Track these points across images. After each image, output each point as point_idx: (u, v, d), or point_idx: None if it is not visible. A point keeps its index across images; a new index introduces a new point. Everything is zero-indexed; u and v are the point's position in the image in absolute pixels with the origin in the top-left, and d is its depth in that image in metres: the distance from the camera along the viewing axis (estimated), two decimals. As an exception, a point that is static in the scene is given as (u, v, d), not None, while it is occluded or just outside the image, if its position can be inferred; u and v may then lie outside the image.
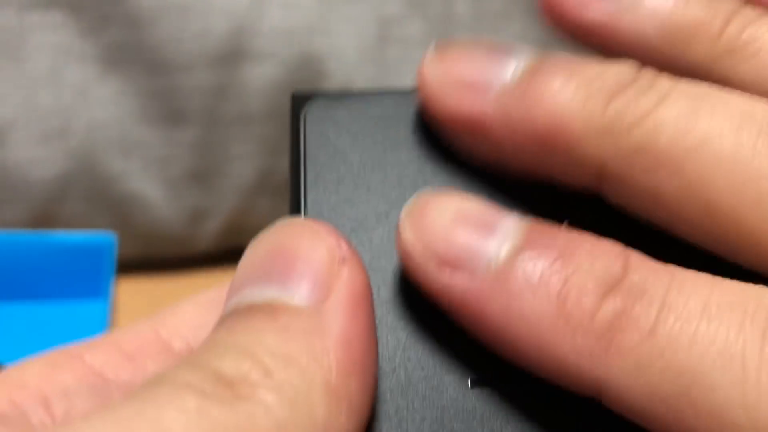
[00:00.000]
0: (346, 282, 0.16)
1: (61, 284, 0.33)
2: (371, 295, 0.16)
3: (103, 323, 0.29)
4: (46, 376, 0.16)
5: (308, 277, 0.16)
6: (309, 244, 0.16)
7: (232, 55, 0.42)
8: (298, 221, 0.17)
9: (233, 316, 0.16)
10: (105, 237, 0.32)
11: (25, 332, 0.30)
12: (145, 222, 0.44)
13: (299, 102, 0.22)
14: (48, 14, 0.41)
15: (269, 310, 0.15)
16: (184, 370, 0.14)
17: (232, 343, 0.15)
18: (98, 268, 0.32)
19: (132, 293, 0.44)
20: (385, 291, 0.18)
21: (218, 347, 0.15)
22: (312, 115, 0.21)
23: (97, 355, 0.17)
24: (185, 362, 0.15)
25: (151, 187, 0.43)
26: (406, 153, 0.20)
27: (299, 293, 0.15)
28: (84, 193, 0.43)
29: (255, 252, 0.16)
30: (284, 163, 0.44)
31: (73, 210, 0.43)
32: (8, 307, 0.32)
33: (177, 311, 0.18)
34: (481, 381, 0.17)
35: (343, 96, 0.21)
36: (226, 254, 0.47)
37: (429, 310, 0.17)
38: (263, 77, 0.42)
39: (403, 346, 0.18)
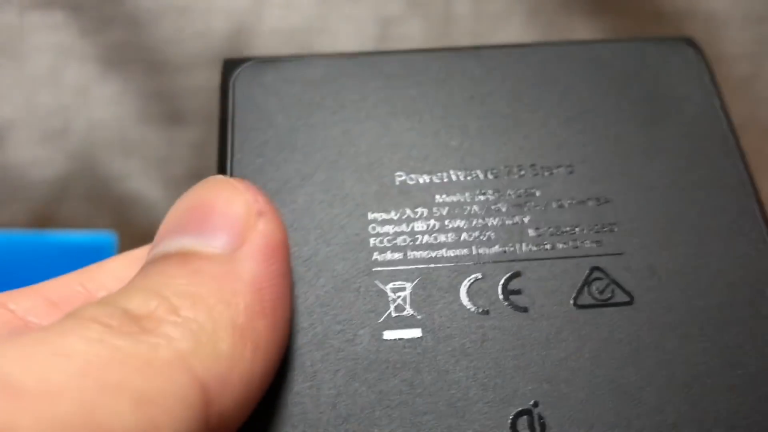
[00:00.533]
0: (261, 233, 0.16)
1: None
2: (287, 247, 0.17)
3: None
4: None
5: (223, 228, 0.16)
6: (226, 198, 0.17)
7: (232, 55, 0.42)
8: (218, 178, 0.18)
9: (148, 263, 0.16)
10: (105, 237, 0.32)
11: None
12: (145, 222, 0.44)
13: (230, 67, 0.22)
14: (48, 14, 0.41)
15: (182, 256, 0.16)
16: (93, 307, 0.15)
17: (143, 285, 0.16)
18: None
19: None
20: (306, 249, 0.19)
21: (129, 289, 0.16)
22: (241, 80, 0.22)
23: (21, 302, 0.18)
24: (96, 302, 0.15)
25: (151, 187, 0.43)
26: (332, 115, 0.21)
27: (213, 242, 0.16)
28: (84, 193, 0.43)
29: (176, 207, 0.17)
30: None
31: (73, 210, 0.43)
32: None
33: (104, 266, 0.19)
34: (394, 335, 0.18)
35: (272, 60, 0.22)
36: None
37: (347, 268, 0.19)
38: (263, 77, 0.42)
39: (321, 302, 0.19)
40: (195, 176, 0.43)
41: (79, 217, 0.43)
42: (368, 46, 0.43)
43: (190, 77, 0.42)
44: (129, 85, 0.42)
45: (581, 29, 0.44)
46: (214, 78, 0.42)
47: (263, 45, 0.42)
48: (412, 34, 0.43)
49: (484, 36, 0.43)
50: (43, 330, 0.14)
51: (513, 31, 0.43)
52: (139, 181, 0.43)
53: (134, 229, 0.44)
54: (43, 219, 0.42)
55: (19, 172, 0.42)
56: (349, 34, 0.43)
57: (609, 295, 0.19)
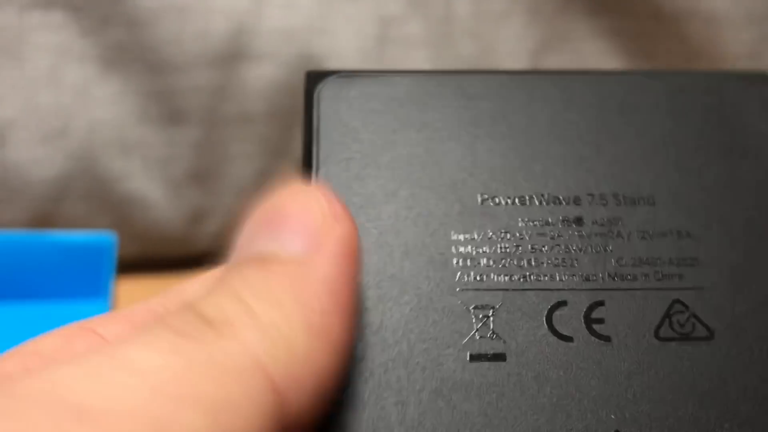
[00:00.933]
0: (335, 237, 0.17)
1: (62, 284, 0.33)
2: (360, 252, 0.18)
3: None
4: (59, 345, 0.17)
5: (299, 233, 0.17)
6: (302, 203, 0.17)
7: (232, 55, 0.42)
8: (293, 184, 0.18)
9: (225, 269, 0.17)
10: (105, 237, 0.32)
11: (26, 332, 0.30)
12: (145, 222, 0.44)
13: (313, 80, 0.23)
14: (48, 14, 0.41)
15: (259, 260, 0.17)
16: (170, 314, 0.15)
17: (219, 290, 0.16)
18: (98, 268, 0.32)
19: (132, 293, 0.45)
20: (391, 266, 0.19)
21: (205, 294, 0.16)
22: (325, 94, 0.23)
23: (109, 327, 0.18)
24: (172, 310, 0.16)
25: (151, 187, 0.43)
26: (416, 133, 0.21)
27: (289, 246, 0.17)
28: (84, 193, 0.43)
29: (253, 213, 0.18)
30: (283, 164, 0.45)
31: (73, 210, 0.43)
32: (9, 306, 0.32)
33: (186, 286, 0.19)
34: (479, 356, 0.19)
35: (356, 75, 0.23)
36: (225, 254, 0.47)
37: (431, 287, 0.19)
38: (263, 77, 0.42)
39: (407, 320, 0.19)
40: (194, 176, 0.44)
41: (79, 217, 0.43)
42: (368, 45, 0.43)
43: (190, 77, 0.42)
44: (129, 85, 0.42)
45: (581, 29, 0.44)
46: (214, 78, 0.42)
47: (263, 45, 0.42)
48: (412, 34, 0.43)
49: (484, 36, 0.43)
50: (113, 345, 0.14)
51: (513, 31, 0.44)
52: (139, 180, 0.43)
53: (134, 229, 0.44)
54: (43, 219, 0.42)
55: (20, 172, 0.42)
56: (349, 34, 0.43)
57: (689, 330, 0.19)
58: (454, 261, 0.20)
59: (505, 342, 0.19)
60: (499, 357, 0.18)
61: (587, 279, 0.20)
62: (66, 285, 0.33)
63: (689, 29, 0.43)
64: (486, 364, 0.18)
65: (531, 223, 0.20)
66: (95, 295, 0.33)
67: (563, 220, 0.20)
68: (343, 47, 0.43)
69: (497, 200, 0.21)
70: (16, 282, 0.33)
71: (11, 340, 0.29)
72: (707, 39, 0.43)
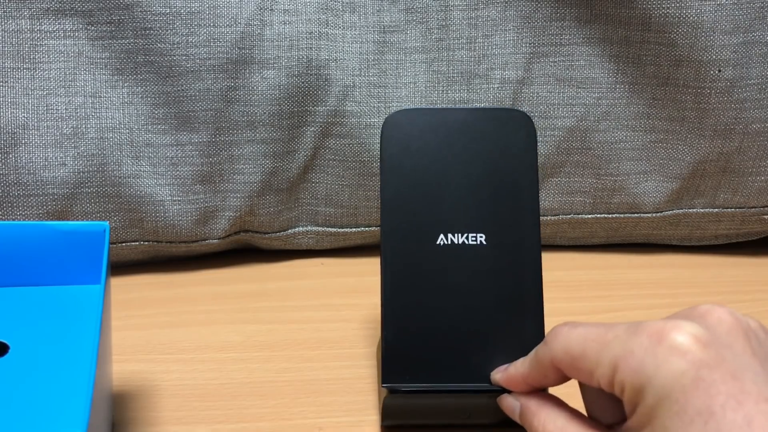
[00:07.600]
0: None
1: (58, 270, 0.33)
2: None
3: (99, 306, 0.30)
4: None
5: None
6: None
7: (238, 60, 0.43)
8: None
9: None
10: (98, 224, 0.33)
11: (28, 315, 0.31)
12: (155, 221, 0.45)
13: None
14: (60, 21, 0.42)
15: None
16: None
17: None
18: (93, 255, 0.33)
19: (141, 288, 0.46)
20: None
21: None
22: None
23: None
24: None
25: (161, 188, 0.44)
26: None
27: None
28: (95, 194, 0.44)
29: None
30: (287, 165, 0.45)
31: (85, 210, 0.44)
32: (11, 291, 0.33)
33: None
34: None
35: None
36: (232, 251, 0.48)
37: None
38: (268, 82, 0.43)
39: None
40: (202, 177, 0.44)
41: (91, 216, 0.44)
42: (369, 51, 0.44)
43: (198, 82, 0.43)
44: (139, 88, 0.43)
45: (572, 35, 0.45)
46: (221, 83, 0.43)
47: (268, 51, 0.43)
48: (411, 41, 0.44)
49: (479, 42, 0.45)
50: None
51: (508, 37, 0.44)
52: (149, 181, 0.44)
53: (144, 228, 0.45)
54: (56, 218, 0.43)
55: (33, 173, 0.43)
56: (350, 41, 0.44)
57: None
58: None
59: None
60: None
61: None
62: (62, 271, 0.34)
63: (677, 35, 0.43)
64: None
65: None
66: (91, 280, 0.34)
67: None
68: (345, 53, 0.44)
69: None
70: (18, 268, 0.33)
71: (8, 323, 0.30)
72: (695, 44, 0.43)
